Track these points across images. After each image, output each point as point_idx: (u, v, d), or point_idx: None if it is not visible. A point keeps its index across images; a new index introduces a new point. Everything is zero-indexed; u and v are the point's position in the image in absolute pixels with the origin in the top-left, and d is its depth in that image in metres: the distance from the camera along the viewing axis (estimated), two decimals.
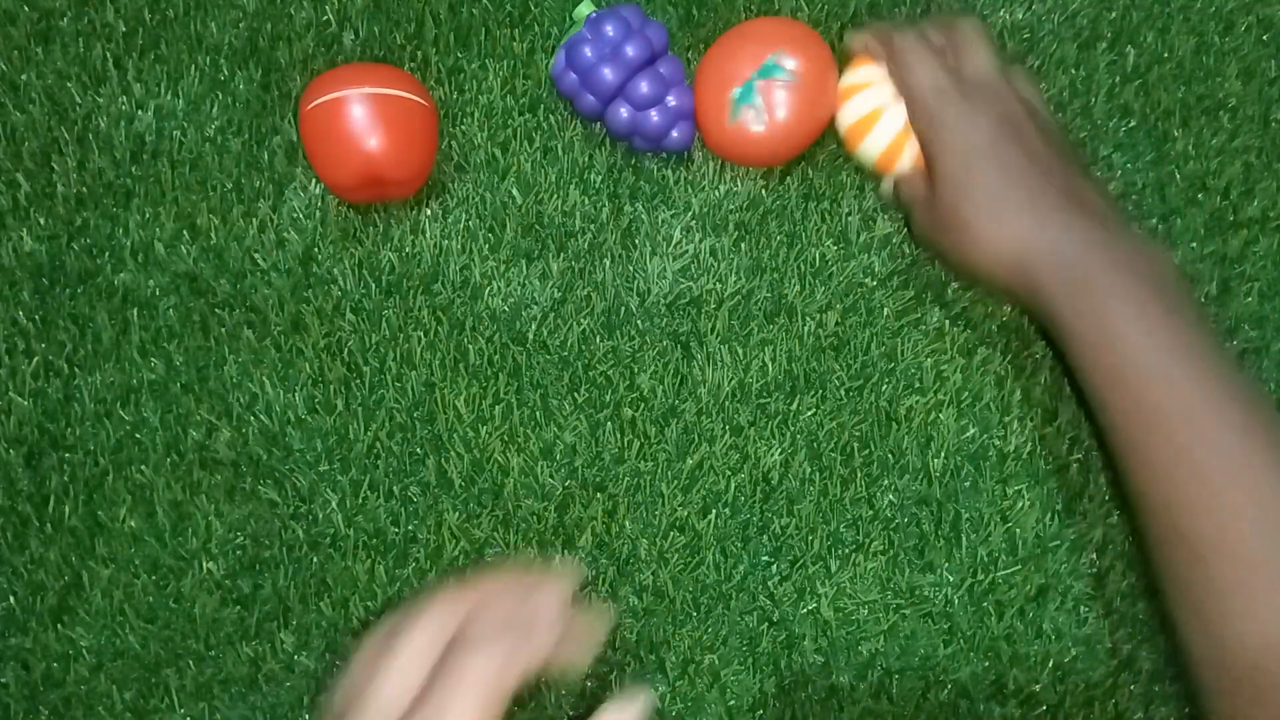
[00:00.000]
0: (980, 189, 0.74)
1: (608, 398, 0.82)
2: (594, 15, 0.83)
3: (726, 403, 0.82)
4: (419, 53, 0.90)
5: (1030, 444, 0.82)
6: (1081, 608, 0.79)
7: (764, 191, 0.87)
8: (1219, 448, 0.64)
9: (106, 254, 0.85)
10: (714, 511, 0.80)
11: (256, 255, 0.85)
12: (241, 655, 0.78)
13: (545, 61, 0.89)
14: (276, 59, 0.89)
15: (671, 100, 0.83)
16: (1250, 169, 0.88)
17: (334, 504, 0.81)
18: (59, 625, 0.79)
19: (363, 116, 0.78)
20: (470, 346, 0.84)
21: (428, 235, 0.86)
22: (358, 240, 0.86)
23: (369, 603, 0.79)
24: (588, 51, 0.82)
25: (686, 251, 0.86)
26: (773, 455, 0.81)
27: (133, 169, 0.87)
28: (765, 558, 0.80)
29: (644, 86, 0.82)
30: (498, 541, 0.80)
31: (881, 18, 0.91)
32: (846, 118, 0.83)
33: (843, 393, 0.83)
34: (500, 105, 0.89)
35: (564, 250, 0.86)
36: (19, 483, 0.81)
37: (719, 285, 0.85)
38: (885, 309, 0.84)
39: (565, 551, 0.80)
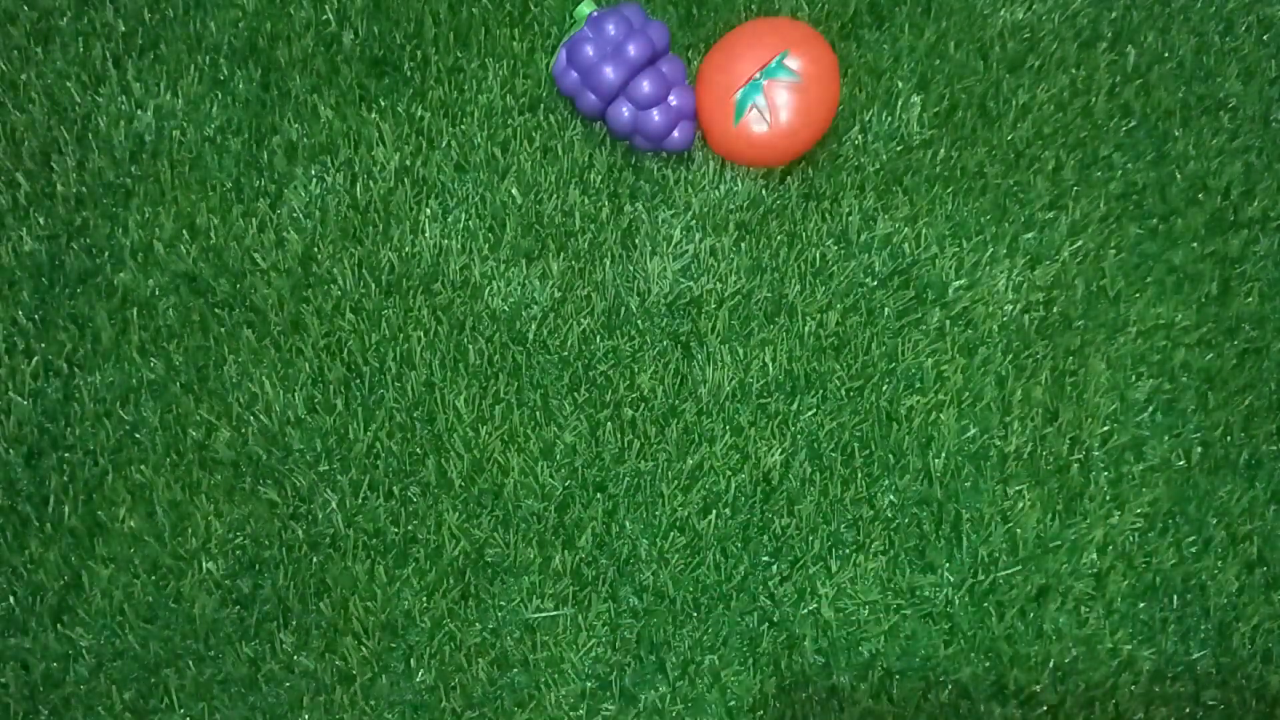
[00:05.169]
0: None
1: (608, 398, 0.82)
2: (595, 14, 0.83)
3: (726, 403, 0.82)
4: (419, 52, 0.90)
5: (1031, 444, 0.82)
6: (1082, 608, 0.79)
7: (764, 191, 0.87)
8: None
9: (106, 254, 0.85)
10: (714, 511, 0.80)
11: (256, 255, 0.85)
12: (241, 655, 0.78)
13: (545, 61, 0.89)
14: (276, 58, 0.89)
15: (673, 100, 0.83)
16: (1251, 169, 0.88)
17: (334, 504, 0.80)
18: (59, 625, 0.78)
19: None
20: (470, 346, 0.83)
21: (427, 235, 0.86)
22: (357, 240, 0.86)
23: (369, 603, 0.79)
24: (589, 50, 0.82)
25: (687, 251, 0.85)
26: (773, 455, 0.81)
27: (132, 169, 0.87)
28: (765, 558, 0.80)
29: (646, 86, 0.82)
30: (498, 542, 0.80)
31: (881, 18, 0.91)
32: None
33: (843, 393, 0.83)
34: (500, 105, 0.88)
35: (564, 250, 0.86)
36: (19, 483, 0.81)
37: (719, 285, 0.85)
38: (886, 309, 0.84)
39: (565, 552, 0.80)
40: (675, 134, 0.84)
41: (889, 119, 0.88)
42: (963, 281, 0.85)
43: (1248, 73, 0.89)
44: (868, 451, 0.81)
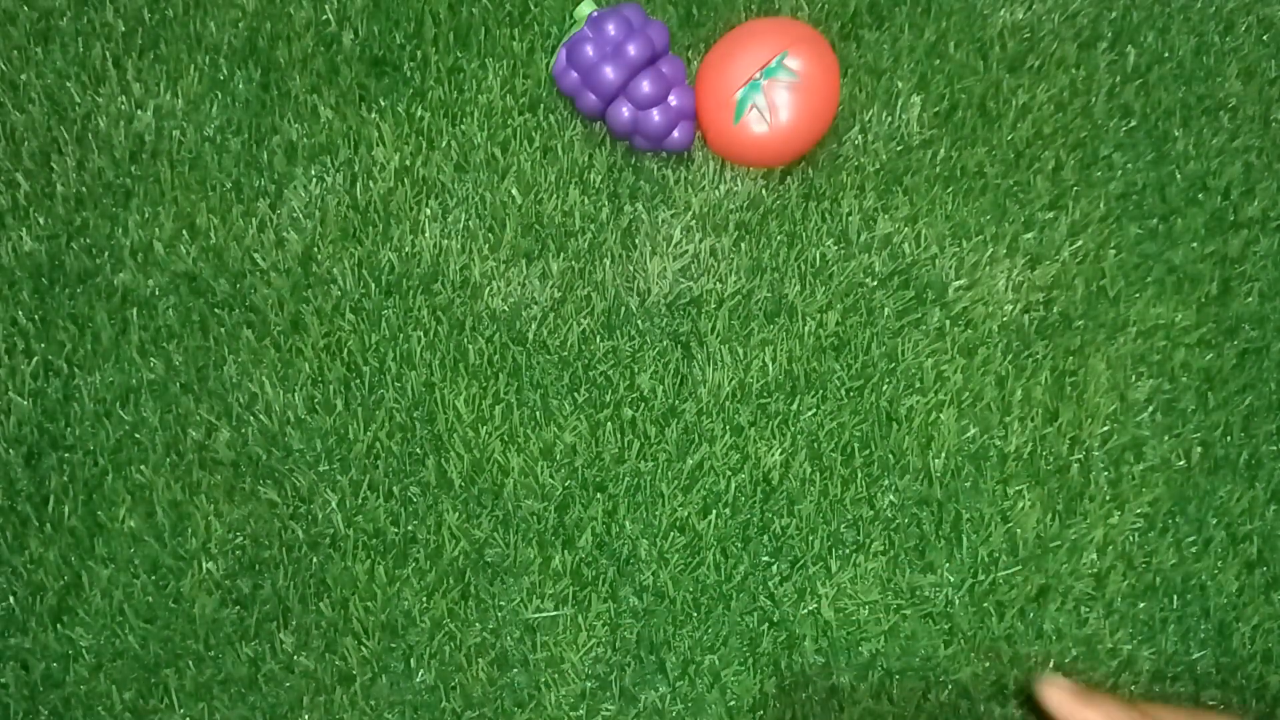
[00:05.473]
0: None
1: (608, 398, 0.82)
2: (595, 14, 0.83)
3: (726, 403, 0.82)
4: (418, 52, 0.90)
5: (1030, 444, 0.82)
6: (1082, 608, 0.79)
7: (764, 191, 0.87)
8: None
9: (106, 254, 0.85)
10: (714, 511, 0.80)
11: (256, 255, 0.85)
12: (241, 655, 0.78)
13: (545, 61, 0.89)
14: (276, 58, 0.89)
15: (673, 100, 0.83)
16: (1251, 169, 0.88)
17: (334, 504, 0.80)
18: (59, 625, 0.78)
19: None
20: (470, 346, 0.83)
21: (427, 235, 0.86)
22: (357, 240, 0.86)
23: (369, 603, 0.79)
24: (589, 50, 0.82)
25: (686, 251, 0.86)
26: (773, 455, 0.81)
27: (132, 169, 0.87)
28: (765, 558, 0.80)
29: (646, 86, 0.82)
30: (498, 542, 0.80)
31: (881, 18, 0.91)
32: None
33: (843, 393, 0.83)
34: (500, 104, 0.88)
35: (564, 250, 0.86)
36: (19, 483, 0.81)
37: (719, 285, 0.85)
38: (886, 309, 0.84)
39: (565, 552, 0.80)
40: (675, 134, 0.84)
41: (889, 119, 0.88)
42: (963, 281, 0.85)
43: (1248, 73, 0.89)
44: (868, 451, 0.81)
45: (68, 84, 0.88)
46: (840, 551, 0.80)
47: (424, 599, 0.79)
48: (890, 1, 0.91)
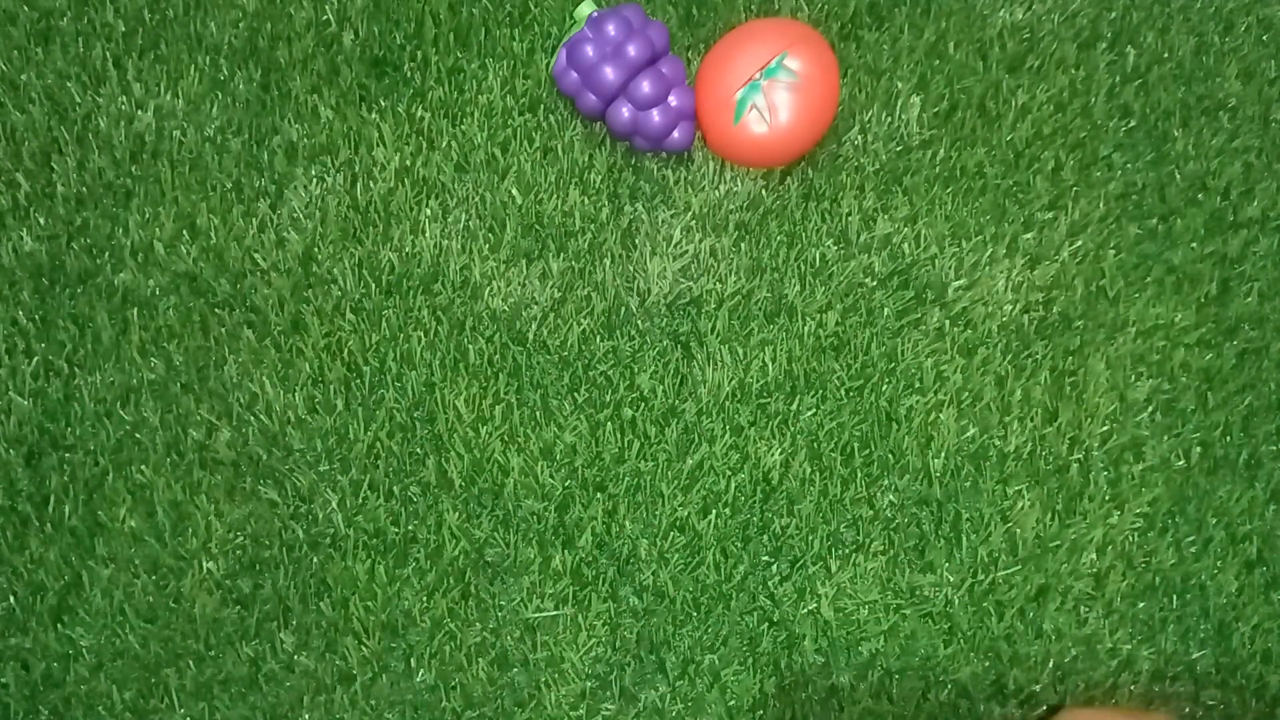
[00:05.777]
0: None
1: (608, 398, 0.82)
2: (596, 15, 0.83)
3: (726, 403, 0.82)
4: (419, 52, 0.90)
5: (1030, 444, 0.82)
6: (1081, 608, 0.79)
7: (764, 191, 0.87)
8: None
9: (106, 254, 0.85)
10: (714, 511, 0.80)
11: (256, 255, 0.85)
12: (241, 655, 0.78)
13: (545, 61, 0.89)
14: (276, 59, 0.89)
15: (673, 100, 0.83)
16: (1250, 169, 0.88)
17: (334, 504, 0.80)
18: (59, 625, 0.78)
19: None
20: (470, 346, 0.83)
21: (428, 235, 0.86)
22: (358, 240, 0.86)
23: (369, 603, 0.79)
24: (589, 51, 0.82)
25: (686, 251, 0.86)
26: (773, 455, 0.81)
27: (132, 169, 0.87)
28: (765, 558, 0.80)
29: (646, 86, 0.82)
30: (498, 541, 0.80)
31: (881, 18, 0.91)
32: None
33: (843, 393, 0.83)
34: (500, 105, 0.89)
35: (564, 250, 0.86)
36: (19, 483, 0.81)
37: (719, 285, 0.85)
38: (885, 309, 0.84)
39: (565, 552, 0.80)
40: (675, 134, 0.84)
41: (889, 119, 0.88)
42: (962, 282, 0.85)
43: (1247, 73, 0.90)
44: (867, 451, 0.82)
45: (68, 84, 0.88)
46: (840, 551, 0.80)
47: (424, 599, 0.79)
48: (890, 2, 0.91)
